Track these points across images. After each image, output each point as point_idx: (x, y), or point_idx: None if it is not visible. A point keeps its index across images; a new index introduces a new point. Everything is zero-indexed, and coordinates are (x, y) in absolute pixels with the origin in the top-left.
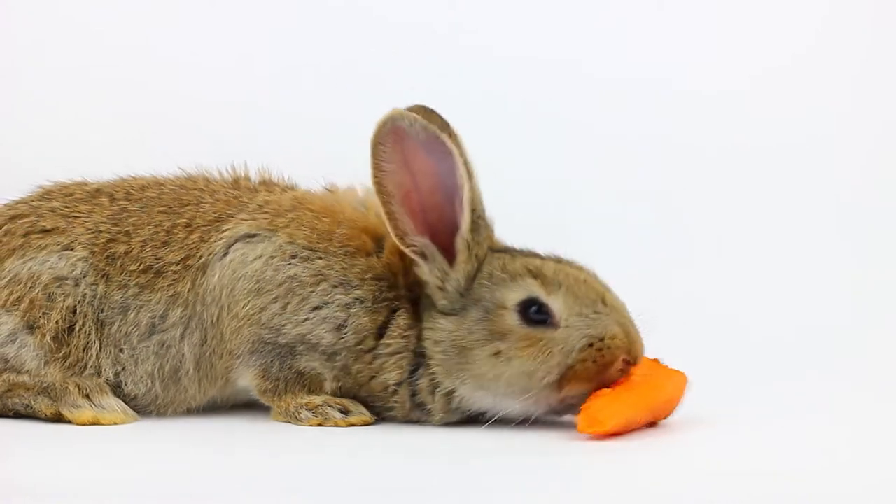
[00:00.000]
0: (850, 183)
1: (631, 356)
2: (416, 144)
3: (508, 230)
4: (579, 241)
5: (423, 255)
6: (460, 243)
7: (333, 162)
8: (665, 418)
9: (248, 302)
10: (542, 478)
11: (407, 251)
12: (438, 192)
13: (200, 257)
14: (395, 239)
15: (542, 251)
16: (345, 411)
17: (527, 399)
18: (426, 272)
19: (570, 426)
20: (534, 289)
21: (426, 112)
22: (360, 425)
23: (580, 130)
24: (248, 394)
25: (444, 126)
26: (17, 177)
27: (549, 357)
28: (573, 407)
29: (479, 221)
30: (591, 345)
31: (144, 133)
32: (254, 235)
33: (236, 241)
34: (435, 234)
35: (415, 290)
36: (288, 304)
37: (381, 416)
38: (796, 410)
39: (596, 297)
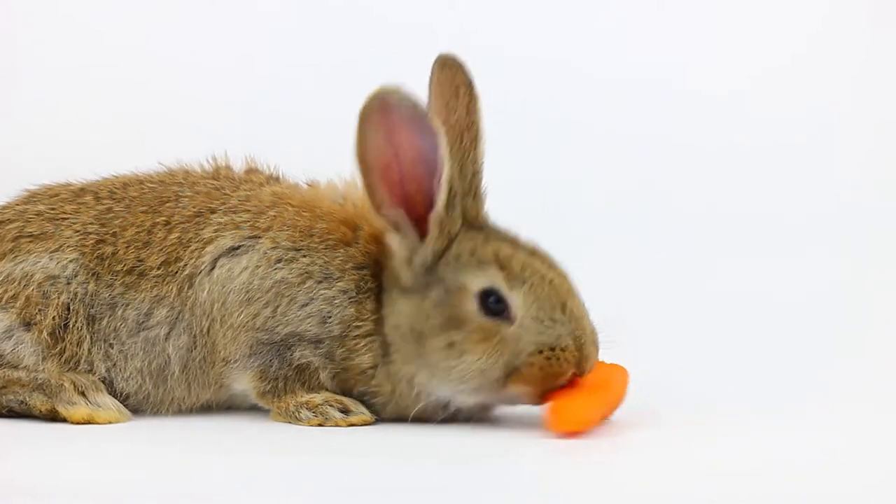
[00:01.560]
0: (850, 183)
1: (579, 370)
2: (401, 120)
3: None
4: (579, 241)
5: (396, 227)
6: (433, 220)
7: (333, 162)
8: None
9: (242, 311)
10: (541, 478)
11: (381, 221)
12: (420, 165)
13: (184, 266)
14: (370, 208)
15: (521, 237)
16: (345, 411)
17: (476, 392)
18: (396, 243)
19: None
20: (497, 280)
21: (455, 64)
22: (361, 425)
23: (580, 130)
24: (245, 399)
25: (468, 83)
26: (17, 177)
27: (498, 356)
28: (522, 401)
29: (455, 200)
30: (540, 352)
31: (144, 133)
32: (237, 248)
33: (221, 255)
34: (411, 204)
35: (379, 277)
36: (278, 306)
37: (374, 409)
38: (794, 411)
39: (556, 303)
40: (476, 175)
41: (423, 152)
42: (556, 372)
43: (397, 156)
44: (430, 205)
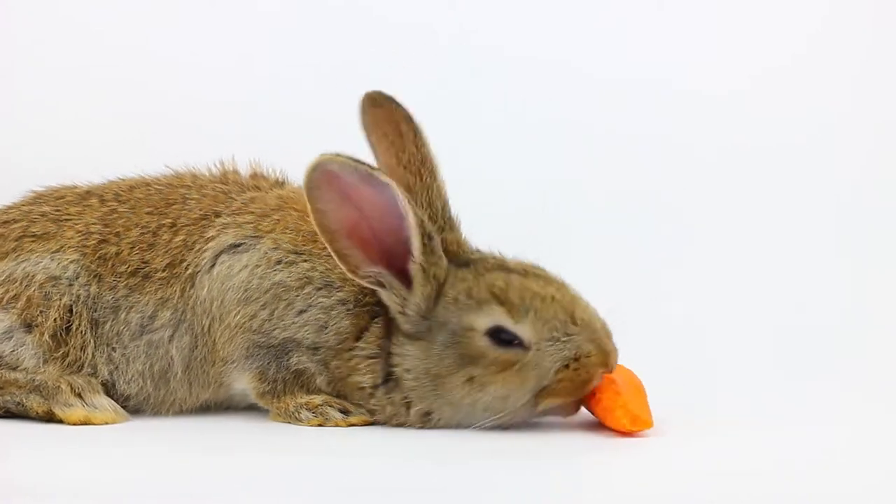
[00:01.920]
0: (850, 183)
1: (607, 367)
2: (351, 181)
3: (508, 230)
4: (578, 241)
5: (381, 284)
6: (414, 269)
7: None
8: None
9: (239, 311)
10: (540, 478)
11: (363, 283)
12: (388, 217)
13: (187, 267)
14: (348, 274)
15: (508, 258)
16: (345, 411)
17: (503, 418)
18: (386, 298)
19: (567, 426)
20: (500, 317)
21: (386, 101)
22: (361, 425)
23: (580, 130)
24: (245, 398)
25: (407, 117)
26: (16, 177)
27: (524, 381)
28: (556, 413)
29: (432, 243)
30: (566, 366)
31: (144, 133)
32: (238, 245)
33: (222, 252)
34: (392, 256)
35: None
36: (275, 309)
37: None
38: (793, 411)
39: (565, 317)
40: (445, 206)
41: (386, 205)
42: (586, 379)
43: (363, 214)
44: (409, 252)
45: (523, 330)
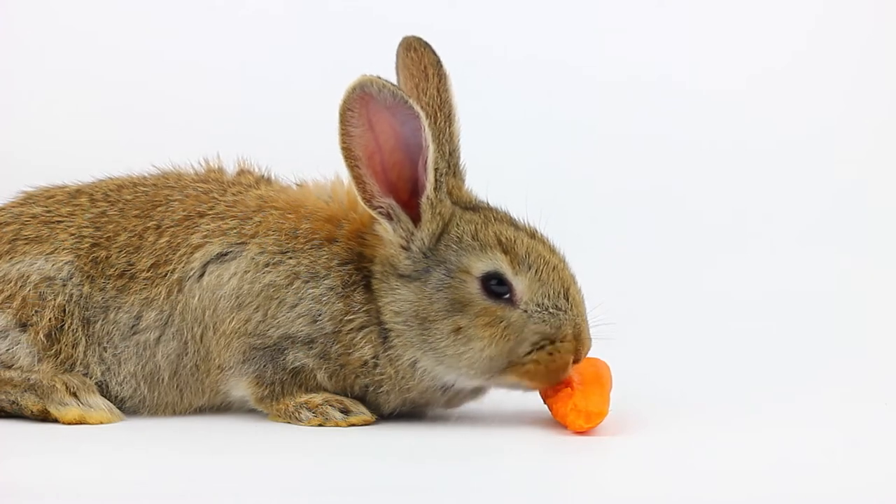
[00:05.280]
0: (849, 181)
1: (576, 357)
2: (381, 107)
3: None
4: (579, 240)
5: (389, 216)
6: (425, 203)
7: (332, 162)
8: None
9: (233, 317)
10: (540, 477)
11: (373, 213)
12: (399, 151)
13: (173, 270)
14: (362, 202)
15: (517, 218)
16: (345, 411)
17: (481, 376)
18: (390, 232)
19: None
20: (501, 264)
21: (420, 46)
22: (361, 425)
23: (580, 130)
24: (244, 405)
25: (436, 63)
26: (16, 177)
27: (504, 340)
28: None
29: (442, 180)
30: (542, 346)
31: (144, 133)
32: (226, 254)
33: (209, 262)
34: (395, 192)
35: (366, 269)
36: (269, 309)
37: (374, 408)
38: (789, 410)
39: (560, 289)
40: (454, 153)
41: (402, 138)
42: (560, 366)
43: (378, 144)
44: (412, 190)
45: (519, 283)
